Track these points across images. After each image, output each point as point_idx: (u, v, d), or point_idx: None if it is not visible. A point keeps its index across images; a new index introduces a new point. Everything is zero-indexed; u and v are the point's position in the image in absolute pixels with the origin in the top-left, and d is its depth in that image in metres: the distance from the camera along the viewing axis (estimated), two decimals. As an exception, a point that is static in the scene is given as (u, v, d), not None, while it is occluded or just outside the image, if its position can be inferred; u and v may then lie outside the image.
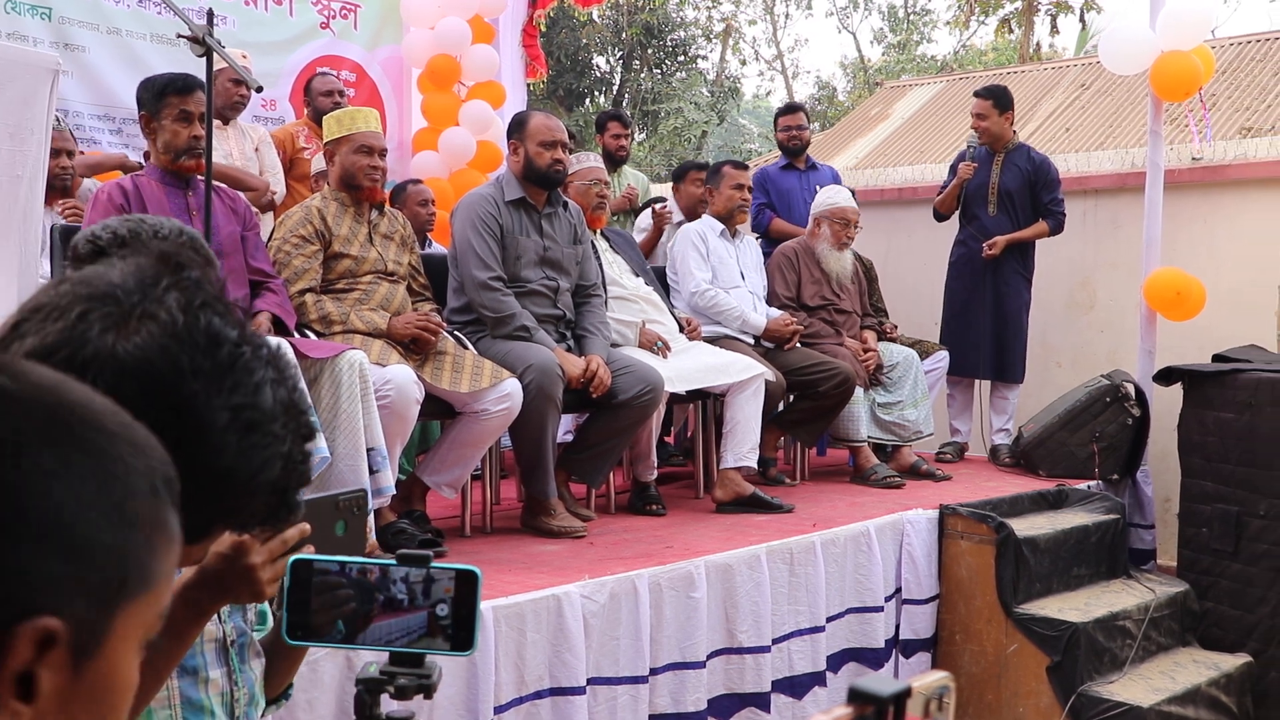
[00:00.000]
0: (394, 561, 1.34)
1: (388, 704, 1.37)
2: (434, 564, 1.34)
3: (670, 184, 6.63)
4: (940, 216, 6.32)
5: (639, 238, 6.06)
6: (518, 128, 4.43)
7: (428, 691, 1.34)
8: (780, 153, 6.59)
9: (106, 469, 0.71)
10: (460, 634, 1.33)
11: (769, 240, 6.30)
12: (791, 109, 6.79)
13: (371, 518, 3.45)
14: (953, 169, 6.25)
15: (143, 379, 0.89)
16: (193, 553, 0.98)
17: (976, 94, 6.21)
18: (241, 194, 4.06)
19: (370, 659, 1.39)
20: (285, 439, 0.97)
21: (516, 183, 4.40)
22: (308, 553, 1.40)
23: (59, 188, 4.74)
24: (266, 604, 1.71)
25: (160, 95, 3.63)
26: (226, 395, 0.91)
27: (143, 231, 1.78)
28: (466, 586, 1.33)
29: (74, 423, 0.71)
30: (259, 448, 0.94)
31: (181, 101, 3.62)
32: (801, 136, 6.53)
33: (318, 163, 5.48)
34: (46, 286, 0.93)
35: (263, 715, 1.64)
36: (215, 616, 1.55)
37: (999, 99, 6.09)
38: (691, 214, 6.07)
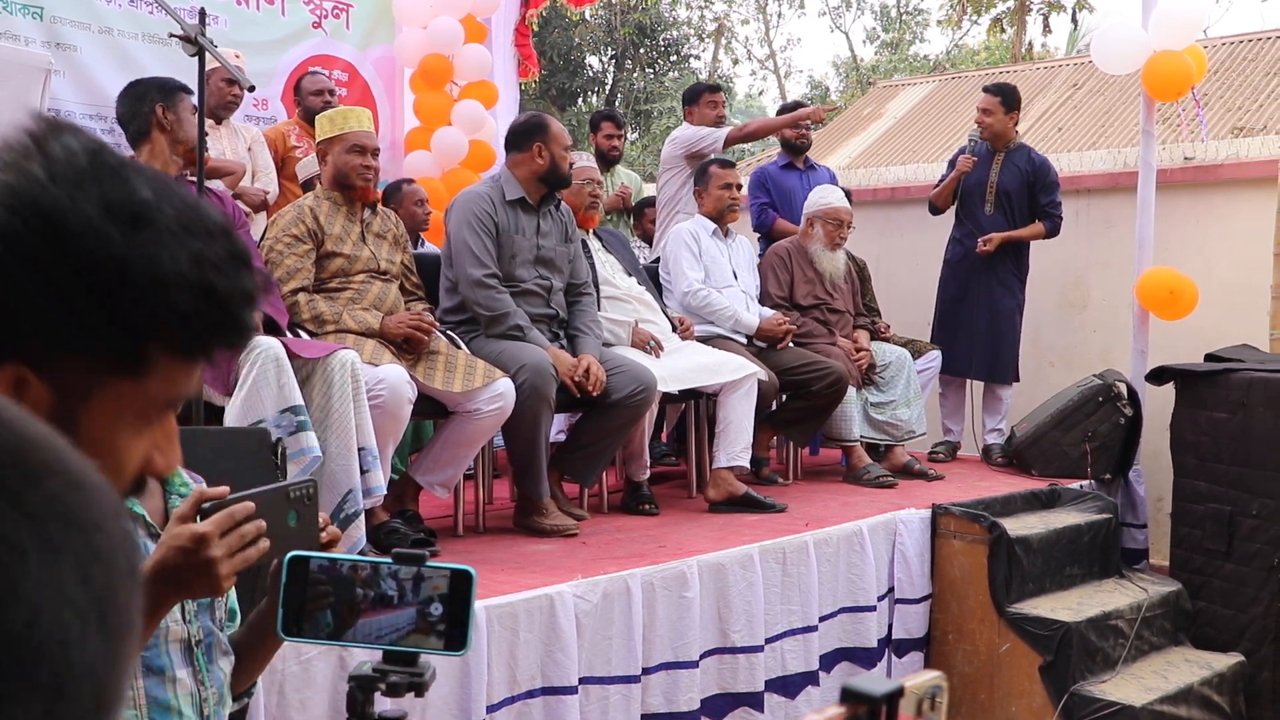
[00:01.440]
0: (389, 560, 1.34)
1: (381, 703, 1.37)
2: (428, 564, 1.34)
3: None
4: (935, 210, 6.29)
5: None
6: (541, 131, 4.40)
7: (419, 690, 1.34)
8: (782, 149, 6.53)
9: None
10: (455, 633, 1.33)
11: (772, 240, 6.22)
12: (800, 106, 6.70)
13: (363, 518, 3.45)
14: (951, 163, 6.24)
15: None
16: (149, 388, 0.92)
17: (985, 89, 6.18)
18: (226, 190, 4.06)
19: (364, 657, 1.39)
20: (189, 239, 0.91)
21: (516, 183, 4.39)
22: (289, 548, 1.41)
23: None
24: (236, 602, 1.71)
25: (174, 91, 3.66)
26: (91, 190, 0.87)
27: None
28: (461, 586, 1.33)
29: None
30: (151, 242, 0.89)
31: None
32: (807, 135, 6.49)
33: (302, 168, 5.47)
34: None
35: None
36: (180, 617, 1.54)
37: (1007, 96, 6.07)
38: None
